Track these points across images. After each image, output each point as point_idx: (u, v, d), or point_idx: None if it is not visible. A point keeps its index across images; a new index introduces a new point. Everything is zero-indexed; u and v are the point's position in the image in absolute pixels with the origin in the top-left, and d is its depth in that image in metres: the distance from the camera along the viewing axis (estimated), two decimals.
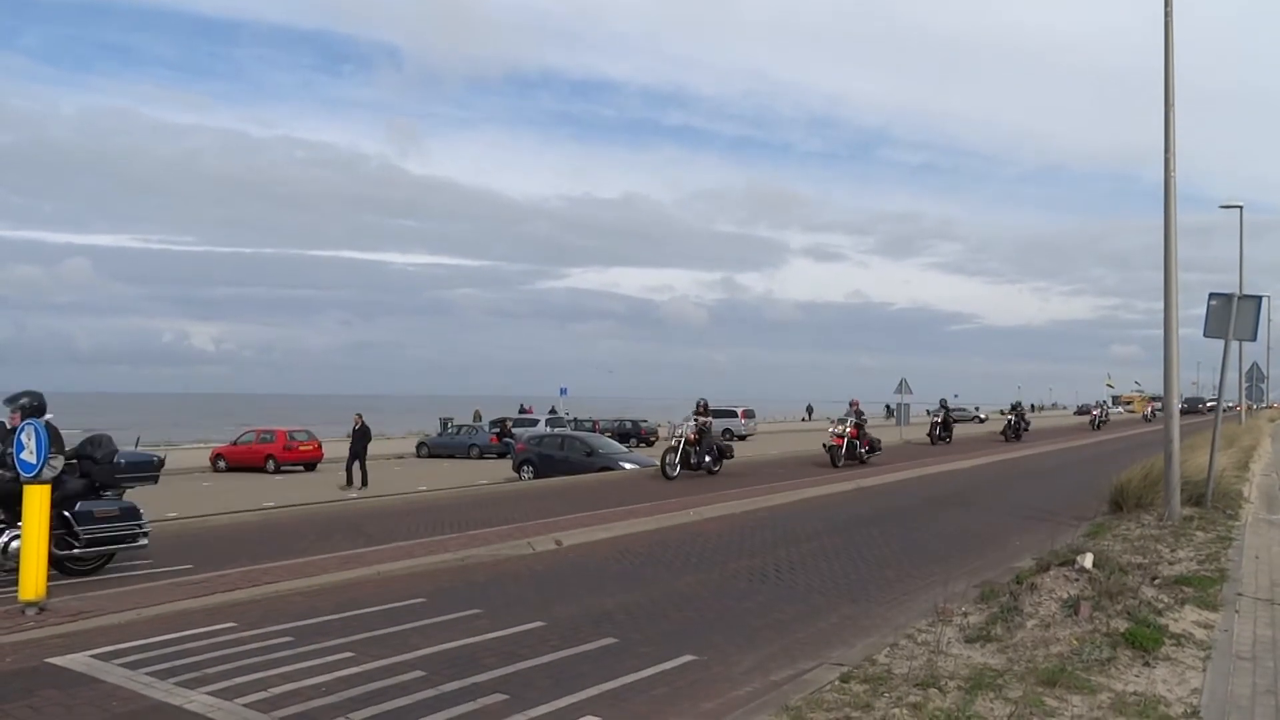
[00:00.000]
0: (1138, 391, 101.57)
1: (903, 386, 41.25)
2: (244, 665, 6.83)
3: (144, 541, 10.90)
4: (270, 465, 32.27)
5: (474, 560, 11.43)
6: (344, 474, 27.16)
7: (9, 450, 8.82)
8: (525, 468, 27.32)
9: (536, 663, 6.98)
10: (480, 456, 37.76)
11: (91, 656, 7.11)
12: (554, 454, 27.21)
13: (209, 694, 6.17)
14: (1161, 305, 13.43)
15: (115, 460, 10.82)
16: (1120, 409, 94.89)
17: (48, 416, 9.29)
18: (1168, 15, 13.32)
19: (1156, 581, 8.53)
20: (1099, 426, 55.12)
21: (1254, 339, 14.61)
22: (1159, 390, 17.36)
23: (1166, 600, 7.86)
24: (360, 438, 26.90)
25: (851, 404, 28.28)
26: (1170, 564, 9.76)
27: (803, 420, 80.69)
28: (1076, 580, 7.82)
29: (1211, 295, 14.24)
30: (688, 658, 7.16)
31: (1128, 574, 8.39)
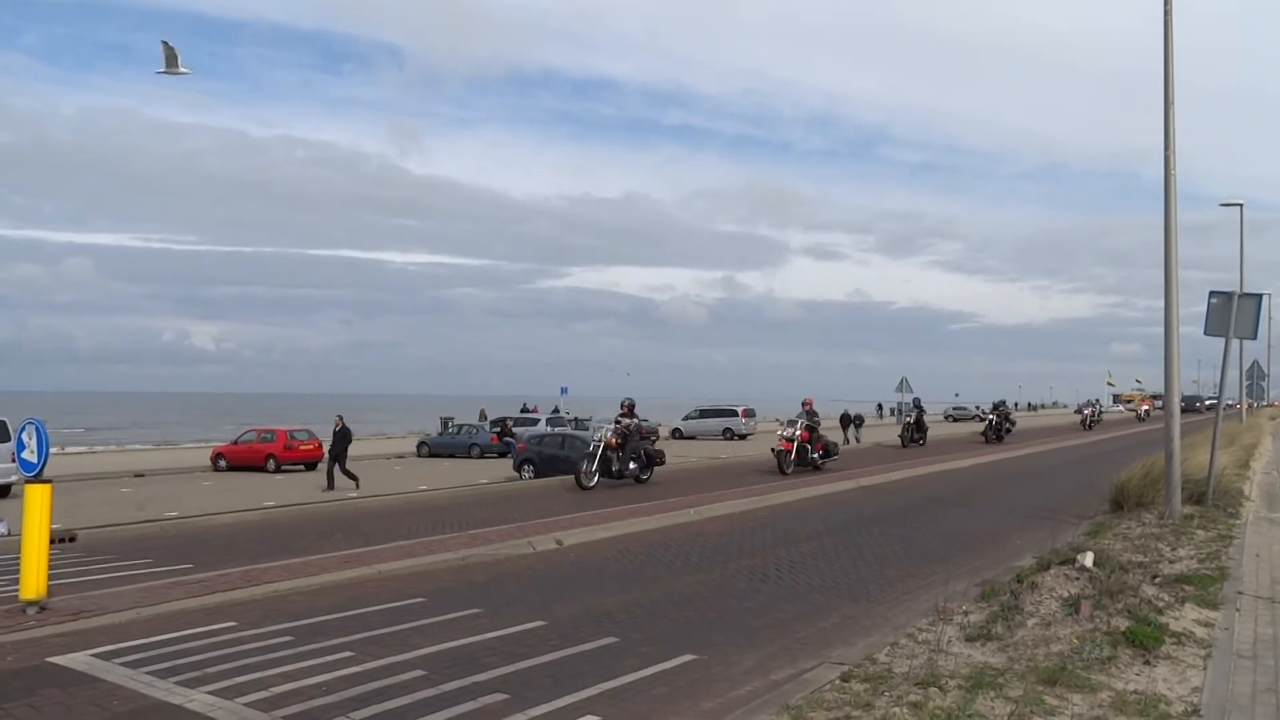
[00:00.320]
0: (1138, 390, 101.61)
1: (903, 385, 41.24)
2: (244, 664, 6.83)
3: None
4: (271, 465, 32.22)
5: (474, 560, 11.44)
6: (325, 477, 26.59)
7: None
8: (526, 467, 27.31)
9: (537, 662, 6.98)
10: (481, 456, 37.72)
11: (92, 655, 7.11)
12: (554, 453, 27.18)
13: (209, 693, 6.17)
14: (1162, 303, 13.43)
15: None
16: (1121, 407, 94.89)
17: None
18: (1167, 14, 13.31)
19: (1157, 580, 8.53)
20: (1091, 426, 53.87)
21: (1254, 337, 14.61)
22: (1160, 388, 17.33)
23: (1167, 599, 7.86)
24: (340, 439, 26.37)
25: (804, 404, 25.66)
26: (1171, 562, 9.76)
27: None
28: (1077, 579, 7.82)
29: (1212, 293, 14.23)
30: (688, 657, 7.16)
31: (1128, 572, 8.38)
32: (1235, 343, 14.79)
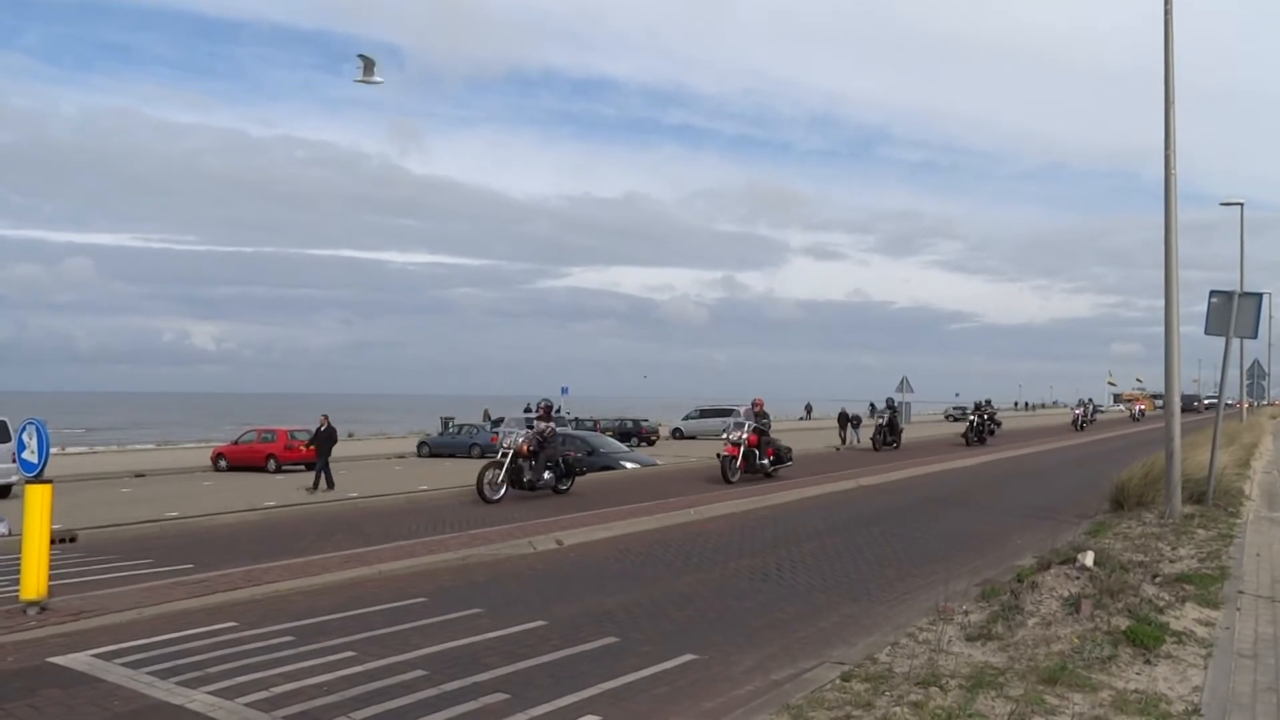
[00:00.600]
0: (1139, 389, 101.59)
1: (904, 385, 41.15)
2: (245, 665, 6.83)
3: None
4: (271, 465, 32.23)
5: (475, 559, 11.44)
6: (314, 478, 26.27)
7: None
8: None
9: (538, 662, 6.99)
10: (481, 456, 37.66)
11: (93, 656, 7.12)
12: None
13: (210, 693, 6.17)
14: (1162, 303, 13.43)
15: None
16: (1121, 407, 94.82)
17: None
18: (1167, 13, 13.32)
19: (1158, 579, 8.53)
20: (1082, 428, 52.48)
21: (1255, 336, 14.62)
22: (1161, 388, 17.32)
23: (1168, 598, 7.86)
24: (324, 439, 26.02)
25: (754, 404, 23.42)
26: (1171, 562, 9.76)
27: (800, 419, 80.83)
28: (1077, 578, 7.82)
29: (1212, 293, 14.23)
30: (689, 657, 7.16)
31: (1129, 572, 8.39)
32: (1235, 342, 14.79)
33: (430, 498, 19.97)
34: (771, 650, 7.40)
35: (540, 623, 8.22)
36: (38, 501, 8.41)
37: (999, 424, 42.27)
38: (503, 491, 17.80)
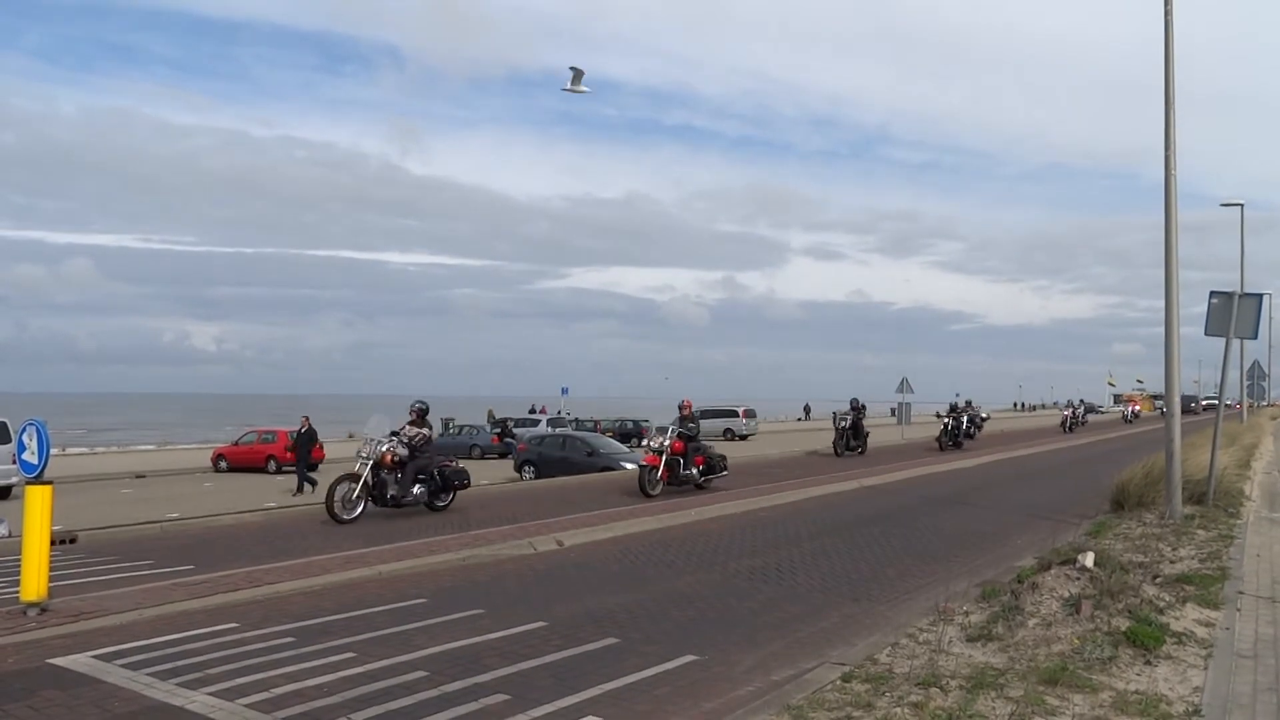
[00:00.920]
0: (1139, 390, 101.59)
1: (904, 385, 41.14)
2: (246, 666, 6.83)
3: None
4: (272, 466, 32.28)
5: (476, 560, 11.44)
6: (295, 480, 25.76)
7: None
8: (527, 468, 27.36)
9: (539, 662, 6.99)
10: (482, 457, 37.75)
11: (93, 657, 7.11)
12: (555, 454, 27.20)
13: (211, 694, 6.17)
14: (1163, 303, 13.44)
15: None
16: (1121, 407, 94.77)
17: None
18: (1167, 14, 13.33)
19: (1158, 580, 8.53)
20: (1072, 430, 50.13)
21: (1255, 337, 14.63)
22: (1161, 389, 17.31)
23: (1168, 599, 7.86)
24: (304, 441, 25.61)
25: (680, 407, 20.65)
26: (1172, 562, 9.76)
27: (799, 420, 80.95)
28: (1078, 579, 7.82)
29: (1213, 293, 14.24)
30: (689, 657, 7.16)
31: (1129, 572, 8.39)
32: (1236, 343, 14.80)
33: None
34: (772, 650, 7.40)
35: (541, 623, 8.22)
36: (38, 502, 8.41)
37: (980, 426, 40.02)
38: (359, 510, 15.22)
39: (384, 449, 15.70)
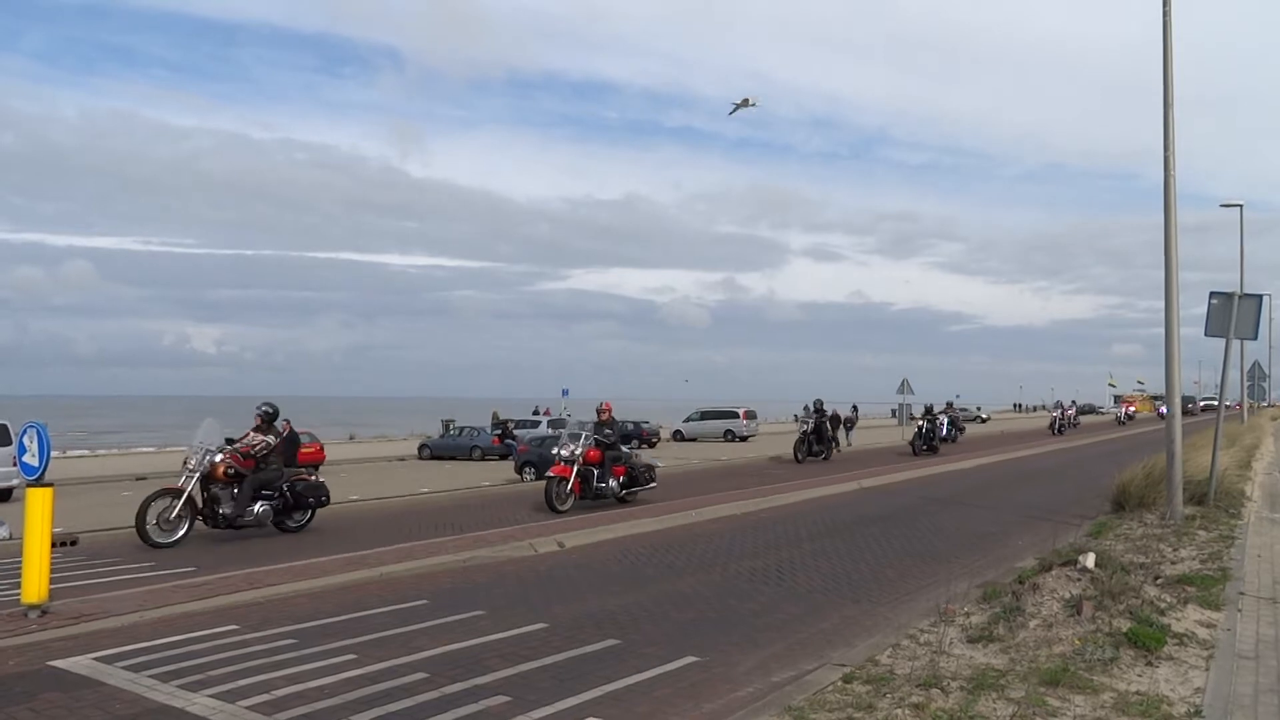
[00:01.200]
0: (1140, 391, 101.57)
1: (905, 386, 41.14)
2: (247, 667, 6.83)
3: None
4: None
5: (476, 562, 11.44)
6: None
7: None
8: (527, 469, 27.36)
9: (539, 664, 6.99)
10: (482, 458, 37.76)
11: (94, 659, 7.11)
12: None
13: (212, 696, 6.17)
14: (1163, 304, 13.43)
15: None
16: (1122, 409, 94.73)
17: None
18: (1166, 15, 13.33)
19: (1159, 581, 8.53)
20: (1060, 431, 49.05)
21: (1255, 338, 14.62)
22: (1162, 389, 17.32)
23: (1169, 599, 7.86)
24: (286, 445, 25.51)
25: (599, 410, 18.39)
26: (1173, 563, 9.76)
27: (795, 420, 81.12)
28: (1079, 580, 7.82)
29: (1212, 294, 14.24)
30: (690, 659, 7.16)
31: (1130, 573, 8.39)
32: (1236, 343, 14.79)
33: (432, 500, 20.00)
34: (773, 651, 7.40)
35: (541, 625, 8.22)
36: (39, 505, 8.42)
37: (962, 429, 38.45)
38: (183, 531, 13.04)
39: (217, 460, 13.54)
